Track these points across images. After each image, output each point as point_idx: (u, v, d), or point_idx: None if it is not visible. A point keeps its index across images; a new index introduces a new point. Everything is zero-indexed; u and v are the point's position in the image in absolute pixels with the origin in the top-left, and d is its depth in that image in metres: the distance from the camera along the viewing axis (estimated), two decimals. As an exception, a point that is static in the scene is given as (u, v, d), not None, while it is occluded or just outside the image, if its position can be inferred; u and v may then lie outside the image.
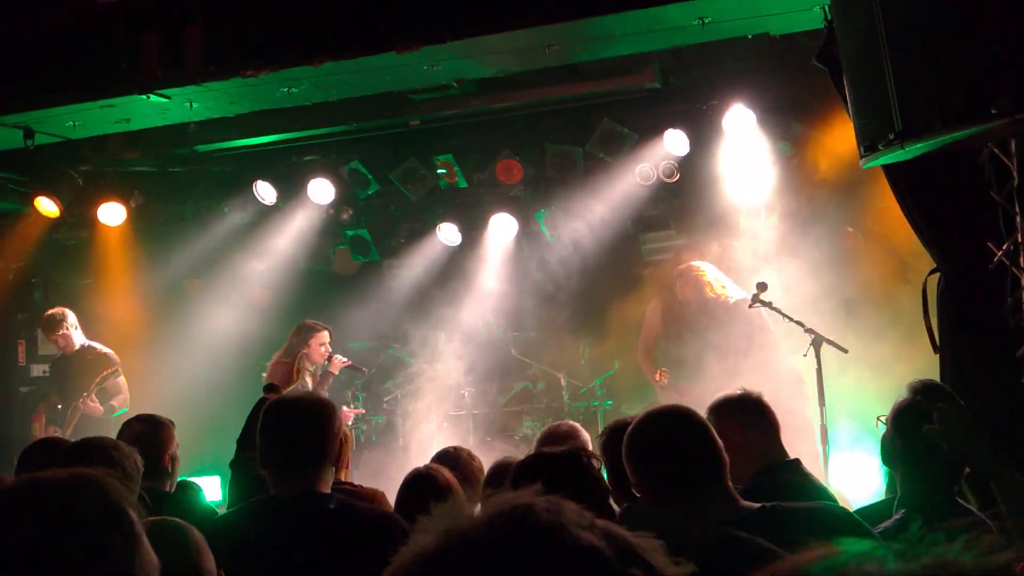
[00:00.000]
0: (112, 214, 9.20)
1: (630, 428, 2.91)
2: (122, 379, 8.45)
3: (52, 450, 3.33)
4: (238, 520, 3.13)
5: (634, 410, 8.49)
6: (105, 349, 8.61)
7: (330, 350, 8.18)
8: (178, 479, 4.72)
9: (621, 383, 8.90)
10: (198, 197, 9.58)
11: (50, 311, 8.54)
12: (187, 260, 9.91)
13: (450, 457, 4.44)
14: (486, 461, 4.64)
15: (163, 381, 9.60)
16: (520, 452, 8.41)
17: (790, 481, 3.33)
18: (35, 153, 6.96)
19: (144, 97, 6.08)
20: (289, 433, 3.28)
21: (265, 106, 6.72)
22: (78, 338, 8.52)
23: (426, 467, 4.00)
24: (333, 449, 3.28)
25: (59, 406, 8.43)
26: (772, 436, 3.57)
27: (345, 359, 8.22)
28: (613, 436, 3.41)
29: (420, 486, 3.83)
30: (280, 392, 4.84)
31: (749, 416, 2.88)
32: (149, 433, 4.57)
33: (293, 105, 6.64)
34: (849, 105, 4.49)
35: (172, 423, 4.77)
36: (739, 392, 3.64)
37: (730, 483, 2.81)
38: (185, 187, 9.62)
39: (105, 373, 8.27)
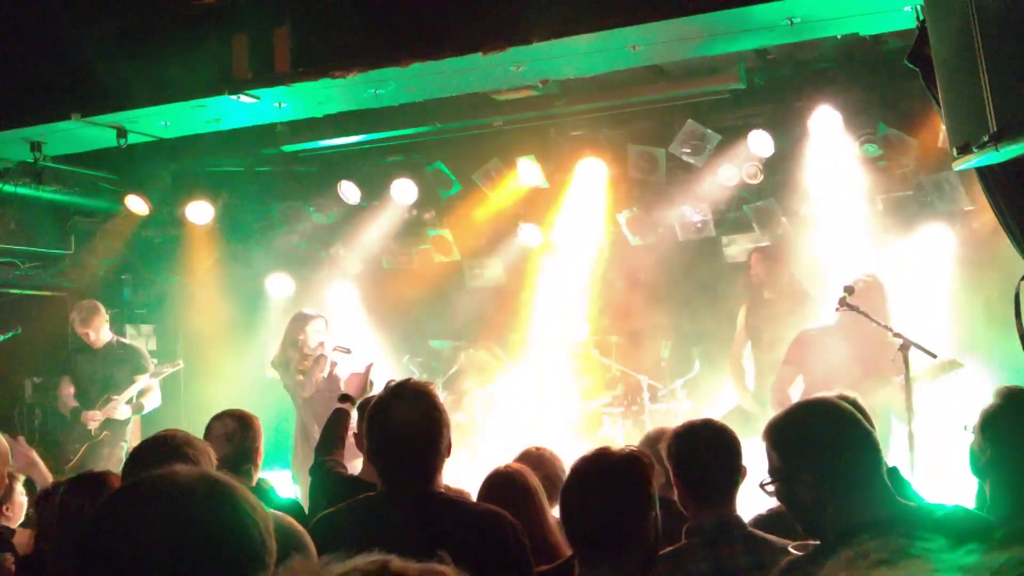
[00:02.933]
0: (200, 213, 9.40)
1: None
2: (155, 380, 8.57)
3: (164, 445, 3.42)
4: (349, 518, 3.16)
5: (715, 412, 8.46)
6: (136, 344, 8.76)
7: (324, 336, 8.22)
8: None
9: (702, 385, 8.81)
10: (284, 197, 9.75)
11: (86, 302, 8.56)
12: (272, 258, 10.11)
13: (533, 457, 4.45)
14: (566, 461, 4.64)
15: (245, 376, 9.81)
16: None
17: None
18: (126, 152, 7.12)
19: (234, 98, 6.20)
20: (408, 433, 3.25)
21: (352, 107, 6.81)
22: (107, 333, 8.58)
23: (507, 467, 4.00)
24: (445, 449, 3.30)
25: (72, 399, 8.48)
26: None
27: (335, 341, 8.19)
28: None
29: (501, 486, 3.85)
30: (355, 401, 4.86)
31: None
32: (241, 429, 4.65)
33: (380, 106, 6.72)
34: (941, 106, 4.39)
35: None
36: (834, 395, 3.56)
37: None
38: (271, 187, 9.79)
39: (143, 380, 8.40)
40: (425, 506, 3.19)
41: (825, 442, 2.73)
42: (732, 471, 3.29)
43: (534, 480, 3.87)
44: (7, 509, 4.72)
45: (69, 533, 3.26)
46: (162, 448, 3.20)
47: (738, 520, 3.24)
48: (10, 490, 4.73)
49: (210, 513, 1.48)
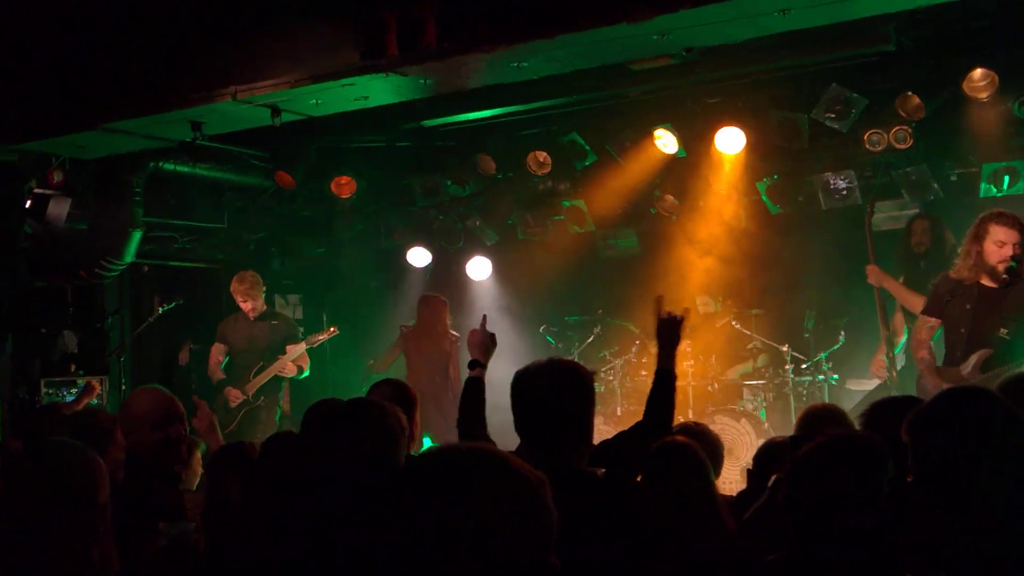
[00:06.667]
0: (345, 187, 9.67)
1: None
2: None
3: (331, 408, 3.51)
4: None
5: (861, 386, 8.26)
6: (288, 316, 9.08)
7: None
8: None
9: (847, 357, 8.62)
10: (423, 170, 9.90)
11: (247, 273, 8.83)
12: (411, 231, 10.31)
13: (691, 431, 4.42)
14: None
15: (386, 344, 10.05)
16: (741, 425, 8.33)
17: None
18: (275, 130, 7.33)
19: (383, 75, 6.30)
20: (550, 411, 3.28)
21: (496, 81, 6.83)
22: (263, 304, 8.87)
23: (674, 439, 3.96)
24: (590, 428, 3.32)
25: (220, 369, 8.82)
26: None
27: None
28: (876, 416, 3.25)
29: (669, 457, 3.82)
30: (485, 365, 4.54)
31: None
32: (398, 397, 4.74)
33: (523, 79, 6.73)
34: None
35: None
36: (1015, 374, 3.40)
37: None
38: (411, 161, 9.96)
39: (299, 347, 8.69)
40: (569, 484, 3.21)
41: (975, 438, 2.57)
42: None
43: (702, 454, 3.84)
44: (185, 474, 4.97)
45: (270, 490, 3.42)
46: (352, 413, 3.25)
47: None
48: (191, 456, 4.99)
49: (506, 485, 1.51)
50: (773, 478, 3.36)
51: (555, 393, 3.28)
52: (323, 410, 3.41)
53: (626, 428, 4.26)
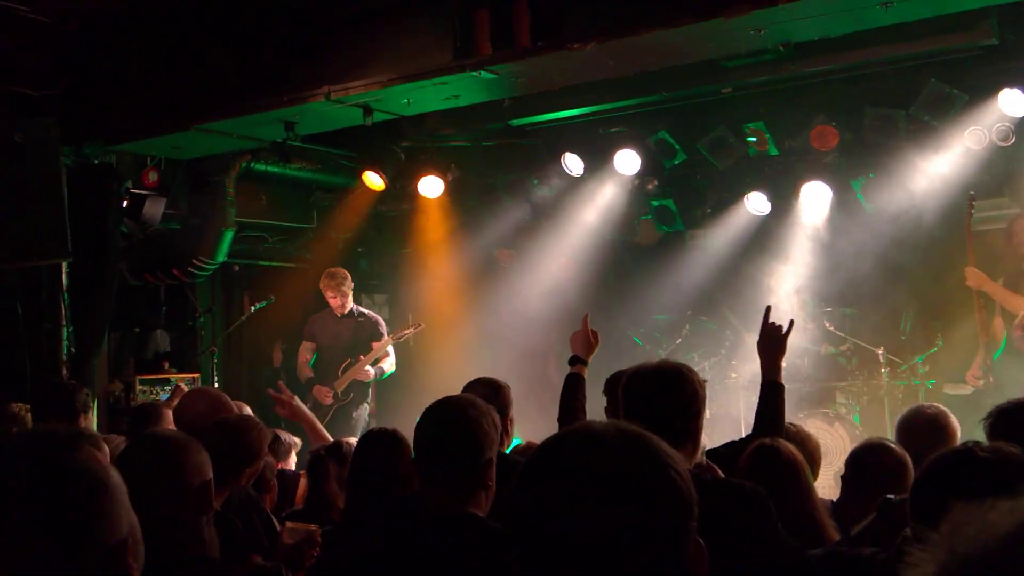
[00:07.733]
0: (431, 187, 9.67)
1: None
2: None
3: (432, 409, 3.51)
4: None
5: (959, 390, 8.02)
6: (375, 315, 9.08)
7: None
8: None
9: (945, 361, 8.36)
10: (509, 170, 9.88)
11: (337, 270, 8.88)
12: (498, 231, 10.30)
13: (788, 432, 4.33)
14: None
15: (472, 344, 10.05)
16: (835, 430, 8.14)
17: None
18: (363, 130, 7.36)
19: (475, 74, 6.29)
20: (657, 413, 3.24)
21: (587, 79, 6.79)
22: (351, 302, 8.93)
23: (772, 441, 3.90)
24: (694, 427, 3.27)
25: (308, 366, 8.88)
26: None
27: None
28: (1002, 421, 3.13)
29: (766, 461, 3.76)
30: (587, 362, 4.73)
31: None
32: (492, 396, 4.72)
33: (615, 76, 6.66)
34: None
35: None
36: None
37: None
38: (497, 160, 9.94)
39: (385, 344, 8.72)
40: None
41: None
42: None
43: (800, 457, 3.76)
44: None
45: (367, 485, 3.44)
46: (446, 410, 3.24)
47: None
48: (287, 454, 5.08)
49: (633, 462, 1.44)
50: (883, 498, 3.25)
51: (658, 395, 3.24)
52: (430, 410, 3.41)
53: (716, 432, 4.24)
